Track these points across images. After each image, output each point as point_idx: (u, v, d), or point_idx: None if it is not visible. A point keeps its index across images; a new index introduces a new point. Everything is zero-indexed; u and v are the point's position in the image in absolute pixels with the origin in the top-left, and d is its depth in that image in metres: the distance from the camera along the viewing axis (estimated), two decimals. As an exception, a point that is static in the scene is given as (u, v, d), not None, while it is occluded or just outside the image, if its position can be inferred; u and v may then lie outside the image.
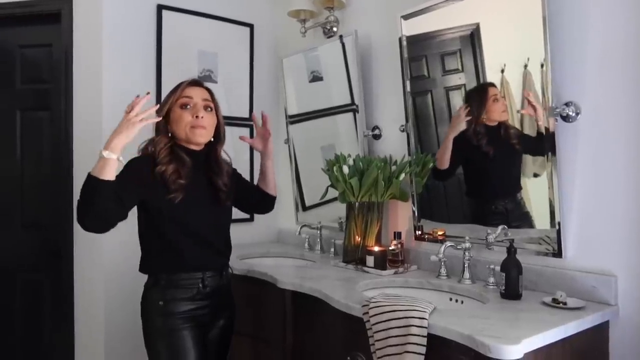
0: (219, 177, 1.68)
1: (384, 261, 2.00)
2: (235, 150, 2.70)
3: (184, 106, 1.61)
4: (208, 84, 1.76)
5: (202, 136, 1.62)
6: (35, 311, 2.47)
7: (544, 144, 1.63)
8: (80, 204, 1.40)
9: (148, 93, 1.48)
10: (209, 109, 1.65)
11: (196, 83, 1.68)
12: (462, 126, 1.89)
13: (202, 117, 1.60)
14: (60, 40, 2.37)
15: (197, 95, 1.63)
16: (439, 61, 2.01)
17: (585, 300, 1.50)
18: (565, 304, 1.45)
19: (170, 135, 1.63)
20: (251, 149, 2.85)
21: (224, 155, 1.75)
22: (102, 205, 1.39)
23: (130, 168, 1.54)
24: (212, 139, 1.69)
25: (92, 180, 1.38)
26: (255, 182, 1.99)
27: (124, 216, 1.48)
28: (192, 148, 1.64)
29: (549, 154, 1.61)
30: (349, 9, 2.46)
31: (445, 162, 1.99)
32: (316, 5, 2.50)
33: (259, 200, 1.95)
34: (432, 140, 2.06)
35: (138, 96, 1.45)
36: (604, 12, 1.54)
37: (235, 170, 1.84)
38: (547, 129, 1.60)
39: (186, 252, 1.59)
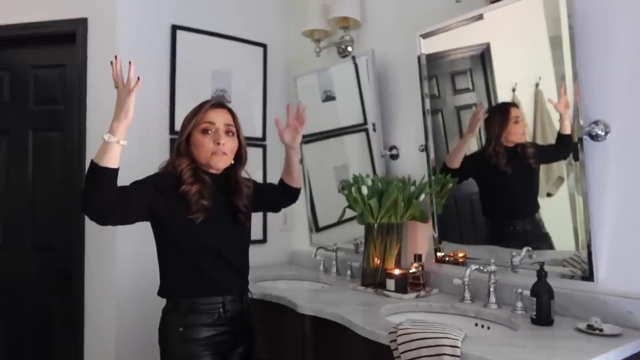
0: (238, 199, 1.65)
1: (405, 285, 1.94)
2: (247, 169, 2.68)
3: (205, 131, 1.57)
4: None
5: (222, 162, 1.60)
6: (44, 334, 2.41)
7: (565, 148, 1.59)
8: (84, 189, 1.34)
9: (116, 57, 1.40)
10: (231, 134, 1.61)
11: (219, 105, 1.64)
12: (478, 125, 1.87)
13: (223, 144, 1.57)
14: (74, 61, 2.36)
15: (219, 119, 1.59)
16: (449, 80, 2.01)
17: (620, 326, 1.44)
18: (601, 330, 1.39)
19: (191, 158, 1.59)
20: (264, 166, 2.82)
21: (244, 175, 1.72)
22: (101, 192, 1.33)
23: (153, 177, 1.54)
24: (233, 161, 1.66)
25: (91, 166, 1.32)
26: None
27: (126, 211, 1.42)
28: (212, 172, 1.62)
29: (573, 163, 1.58)
30: (364, 28, 2.44)
31: (456, 162, 1.96)
32: (331, 25, 2.49)
33: (280, 196, 1.88)
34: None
35: (111, 63, 1.38)
36: (633, 30, 1.51)
37: (255, 183, 1.80)
38: (570, 135, 1.57)
39: (207, 273, 1.55)
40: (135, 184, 1.49)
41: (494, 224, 1.92)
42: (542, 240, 1.72)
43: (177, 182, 1.53)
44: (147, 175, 1.54)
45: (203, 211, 1.51)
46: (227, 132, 1.60)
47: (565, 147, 1.60)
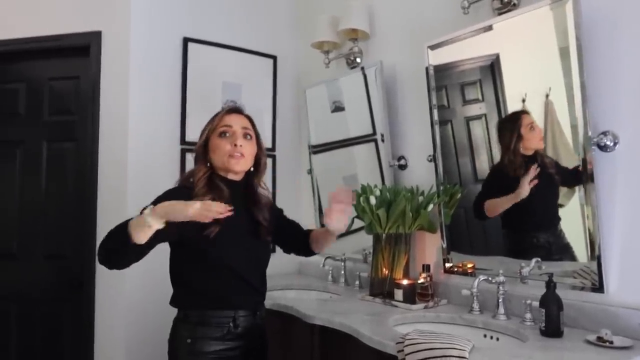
0: (259, 211, 1.61)
1: (413, 295, 1.94)
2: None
3: (222, 134, 1.56)
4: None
5: (240, 165, 1.56)
6: (55, 342, 2.43)
7: (580, 176, 1.58)
8: (105, 247, 1.33)
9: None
10: (249, 137, 1.59)
11: (236, 110, 1.63)
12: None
13: (240, 146, 1.55)
14: (88, 73, 2.41)
15: (236, 123, 1.58)
16: (459, 91, 2.00)
17: (631, 338, 1.42)
18: (611, 342, 1.38)
19: (208, 164, 1.58)
20: (274, 176, 2.83)
21: (264, 192, 1.68)
22: (123, 259, 1.34)
23: (165, 198, 1.42)
24: (252, 169, 1.63)
25: (123, 234, 1.28)
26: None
27: (142, 256, 1.38)
28: (231, 178, 1.58)
29: (585, 184, 1.57)
30: (373, 39, 2.47)
31: (495, 214, 1.88)
32: (340, 37, 2.52)
33: (298, 246, 1.79)
34: (455, 169, 2.02)
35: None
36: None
37: (275, 205, 1.77)
38: (584, 160, 1.56)
39: (218, 287, 1.51)
40: None
41: (512, 235, 1.88)
42: (562, 252, 1.68)
43: (191, 195, 1.46)
44: (162, 196, 1.45)
45: (216, 224, 1.41)
46: (245, 135, 1.58)
47: (577, 174, 1.59)
